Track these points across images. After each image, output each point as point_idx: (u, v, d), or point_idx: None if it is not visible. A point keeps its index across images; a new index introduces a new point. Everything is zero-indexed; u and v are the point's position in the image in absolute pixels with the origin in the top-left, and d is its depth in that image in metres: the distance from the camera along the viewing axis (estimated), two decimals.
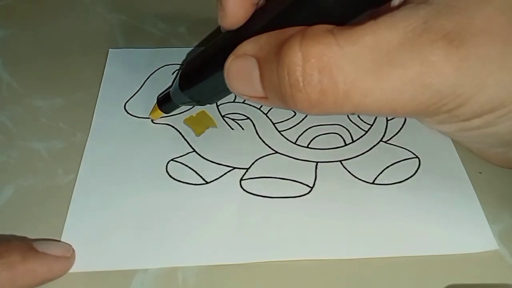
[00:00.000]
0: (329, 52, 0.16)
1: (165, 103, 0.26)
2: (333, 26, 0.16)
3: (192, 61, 0.23)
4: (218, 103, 0.27)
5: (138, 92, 0.28)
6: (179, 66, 0.30)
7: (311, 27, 0.16)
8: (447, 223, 0.22)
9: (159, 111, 0.26)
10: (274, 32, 0.17)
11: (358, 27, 0.16)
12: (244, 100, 0.28)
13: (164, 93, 0.26)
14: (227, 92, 0.21)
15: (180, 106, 0.26)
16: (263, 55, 0.17)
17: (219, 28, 0.21)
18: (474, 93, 0.16)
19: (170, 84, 0.29)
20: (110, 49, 0.31)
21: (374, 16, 0.16)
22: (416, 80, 0.16)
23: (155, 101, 0.26)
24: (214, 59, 0.20)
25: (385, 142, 0.26)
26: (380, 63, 0.16)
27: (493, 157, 0.24)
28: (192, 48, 0.31)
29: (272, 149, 0.25)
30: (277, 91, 0.17)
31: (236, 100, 0.28)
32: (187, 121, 0.27)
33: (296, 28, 0.17)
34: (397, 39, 0.15)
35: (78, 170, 0.24)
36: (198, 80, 0.22)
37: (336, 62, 0.16)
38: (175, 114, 0.27)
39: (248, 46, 0.18)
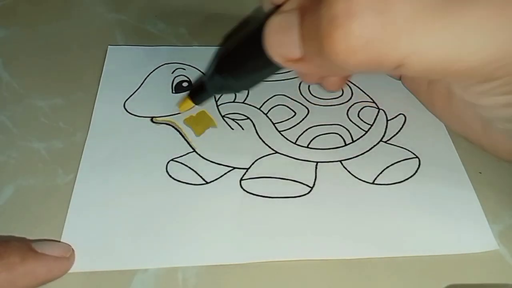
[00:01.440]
0: None
1: (198, 93, 0.25)
2: None
3: (231, 42, 0.22)
4: (218, 103, 0.27)
5: (138, 91, 0.28)
6: (179, 64, 0.30)
7: None
8: (447, 223, 0.22)
9: (188, 102, 0.25)
10: None
11: None
12: (244, 100, 0.28)
13: (196, 84, 0.25)
14: (265, 73, 0.21)
15: (212, 96, 0.25)
16: (306, 4, 0.16)
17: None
18: None
19: (171, 81, 0.29)
20: (109, 46, 0.31)
21: None
22: (484, 24, 0.14)
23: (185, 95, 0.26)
24: (255, 37, 0.19)
25: (385, 142, 0.26)
26: (442, 1, 0.13)
27: (502, 149, 0.23)
28: (193, 47, 0.31)
29: (272, 149, 0.25)
30: (315, 37, 0.15)
31: (236, 100, 0.28)
32: (187, 121, 0.27)
33: None
34: None
35: (78, 170, 0.24)
36: (238, 61, 0.21)
37: None
38: (176, 114, 0.27)
39: (292, 1, 0.17)
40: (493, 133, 0.23)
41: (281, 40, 0.17)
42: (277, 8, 0.18)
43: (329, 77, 0.23)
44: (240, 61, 0.21)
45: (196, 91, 0.25)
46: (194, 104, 0.26)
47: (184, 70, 0.30)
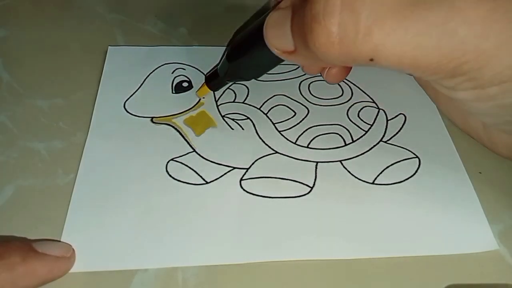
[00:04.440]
0: None
1: (213, 79, 0.27)
2: None
3: (241, 34, 0.24)
4: (218, 103, 0.27)
5: (138, 91, 0.28)
6: (179, 64, 0.30)
7: None
8: (447, 223, 0.22)
9: (205, 88, 0.27)
10: None
11: None
12: (244, 100, 0.28)
13: (211, 70, 0.27)
14: (270, 64, 0.24)
15: (226, 83, 0.27)
16: (297, 2, 0.18)
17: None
18: (497, 53, 0.16)
19: (171, 81, 0.29)
20: (109, 46, 0.31)
21: None
22: (441, 24, 0.15)
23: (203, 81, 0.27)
24: (260, 30, 0.21)
25: (385, 142, 0.26)
26: (405, 4, 0.15)
27: (501, 145, 0.23)
28: (193, 47, 0.31)
29: (272, 149, 0.25)
30: (301, 32, 0.17)
31: (236, 100, 0.28)
32: (187, 121, 0.27)
33: None
34: None
35: (78, 170, 0.24)
36: (244, 50, 0.24)
37: None
38: (176, 114, 0.27)
39: (287, 0, 0.19)
40: (492, 130, 0.23)
41: (277, 34, 0.19)
42: (278, 3, 0.20)
43: (329, 69, 0.24)
44: (246, 51, 0.24)
45: (211, 78, 0.27)
46: (210, 90, 0.27)
47: (184, 70, 0.30)
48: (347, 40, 0.16)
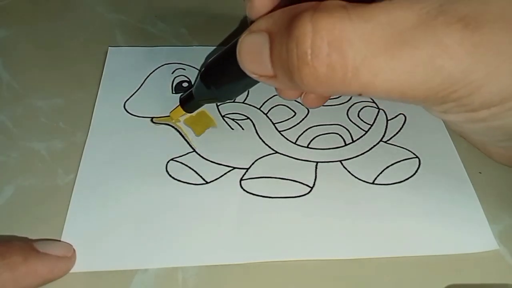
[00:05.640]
0: (340, 26, 0.15)
1: (187, 101, 0.26)
2: (347, 2, 0.16)
3: (215, 55, 0.23)
4: (218, 103, 0.27)
5: (138, 91, 0.28)
6: (179, 64, 0.30)
7: (324, 1, 0.16)
8: (447, 223, 0.22)
9: (179, 110, 0.26)
10: (288, 7, 0.17)
11: (372, 5, 0.16)
12: (244, 100, 0.28)
13: (186, 93, 0.26)
14: (246, 85, 0.22)
15: (202, 105, 0.26)
16: (275, 29, 0.17)
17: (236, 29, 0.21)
18: (486, 82, 0.16)
19: (171, 81, 0.29)
20: (109, 47, 0.31)
21: None
22: (428, 62, 0.15)
23: (178, 102, 0.26)
24: (234, 51, 0.20)
25: (385, 142, 0.26)
26: (393, 42, 0.15)
27: (495, 154, 0.24)
28: (193, 47, 0.31)
29: (272, 149, 0.25)
30: (285, 66, 0.17)
31: (236, 100, 0.28)
32: (187, 121, 0.27)
33: (310, 3, 0.16)
34: (411, 20, 0.15)
35: (78, 170, 0.24)
36: (219, 72, 0.22)
37: (347, 36, 0.15)
38: None
39: (261, 22, 0.18)
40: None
41: (253, 59, 0.18)
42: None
43: (308, 94, 0.23)
44: (221, 73, 0.22)
45: (186, 100, 0.26)
46: (185, 112, 0.26)
47: (184, 70, 0.30)
48: (335, 79, 0.16)
